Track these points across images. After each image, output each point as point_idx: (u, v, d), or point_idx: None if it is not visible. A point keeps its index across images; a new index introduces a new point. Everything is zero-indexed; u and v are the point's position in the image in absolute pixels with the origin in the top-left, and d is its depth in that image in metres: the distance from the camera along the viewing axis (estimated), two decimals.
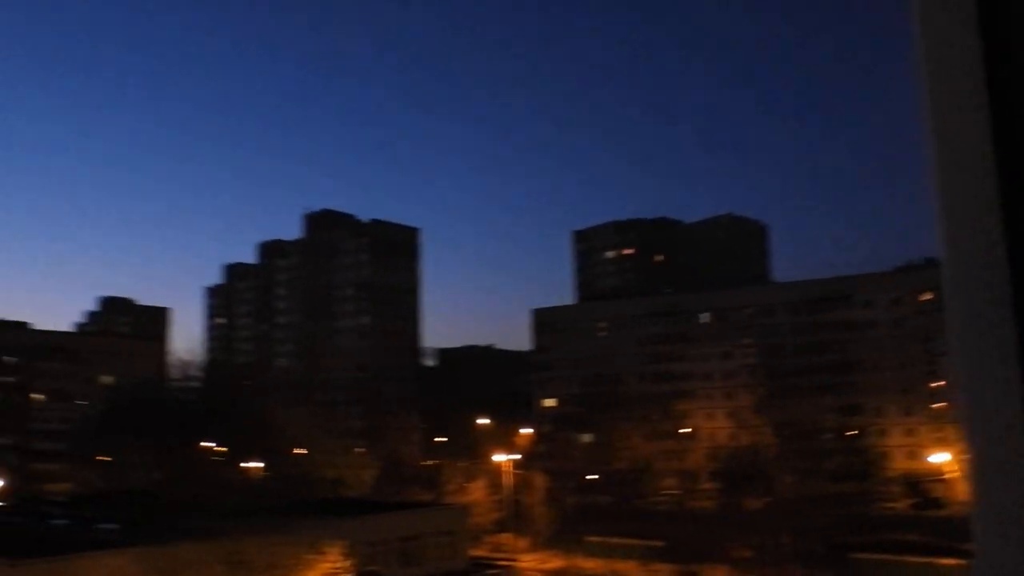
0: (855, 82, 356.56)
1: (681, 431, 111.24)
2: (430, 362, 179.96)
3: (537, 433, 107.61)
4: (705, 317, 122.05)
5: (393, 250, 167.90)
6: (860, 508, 75.72)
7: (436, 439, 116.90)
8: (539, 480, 79.92)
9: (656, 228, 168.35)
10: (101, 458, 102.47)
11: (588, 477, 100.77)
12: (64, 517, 53.00)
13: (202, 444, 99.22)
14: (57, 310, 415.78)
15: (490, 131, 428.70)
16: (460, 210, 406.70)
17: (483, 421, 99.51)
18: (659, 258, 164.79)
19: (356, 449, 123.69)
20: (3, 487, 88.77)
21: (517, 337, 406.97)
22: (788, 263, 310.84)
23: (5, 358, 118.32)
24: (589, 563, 60.48)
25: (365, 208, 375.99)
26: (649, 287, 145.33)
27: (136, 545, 38.26)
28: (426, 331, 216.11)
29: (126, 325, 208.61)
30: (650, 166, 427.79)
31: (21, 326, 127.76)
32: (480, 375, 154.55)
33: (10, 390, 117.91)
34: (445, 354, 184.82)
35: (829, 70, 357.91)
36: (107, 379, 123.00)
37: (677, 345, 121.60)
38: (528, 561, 63.35)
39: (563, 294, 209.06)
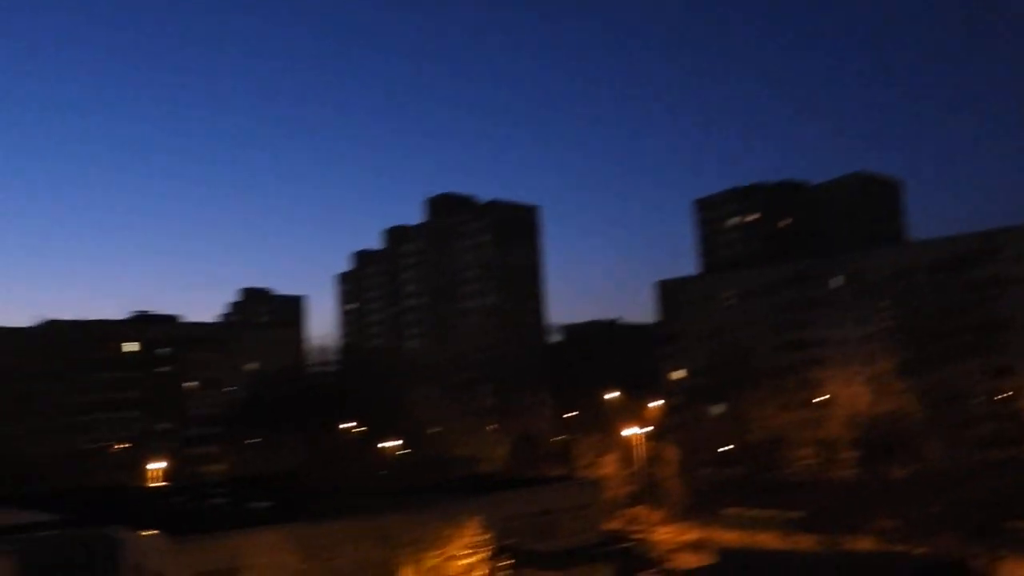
0: (994, 21, 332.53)
1: (817, 400, 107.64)
2: (556, 338, 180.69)
3: (667, 406, 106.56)
4: (838, 282, 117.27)
5: (513, 229, 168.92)
6: (1016, 476, 71.43)
7: (565, 414, 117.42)
8: (671, 453, 79.23)
9: (780, 192, 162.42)
10: (250, 440, 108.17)
11: (721, 449, 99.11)
12: (221, 496, 56.16)
13: (342, 425, 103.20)
14: (202, 303, 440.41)
15: (605, 104, 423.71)
16: (580, 186, 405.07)
17: (611, 395, 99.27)
18: (785, 223, 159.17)
19: (488, 427, 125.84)
20: (165, 469, 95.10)
21: (642, 310, 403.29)
22: (925, 220, 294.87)
23: (159, 350, 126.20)
24: (727, 535, 59.57)
25: (485, 189, 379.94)
26: (776, 253, 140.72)
27: (288, 522, 40.09)
28: (551, 308, 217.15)
29: (265, 314, 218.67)
30: (771, 129, 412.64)
31: (171, 320, 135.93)
32: (606, 350, 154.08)
33: (166, 380, 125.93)
34: (571, 330, 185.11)
35: (966, 14, 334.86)
36: (251, 366, 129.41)
37: (809, 312, 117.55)
38: (663, 534, 62.96)
39: (686, 265, 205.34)
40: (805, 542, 52.76)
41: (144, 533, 39.93)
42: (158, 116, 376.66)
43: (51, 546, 41.89)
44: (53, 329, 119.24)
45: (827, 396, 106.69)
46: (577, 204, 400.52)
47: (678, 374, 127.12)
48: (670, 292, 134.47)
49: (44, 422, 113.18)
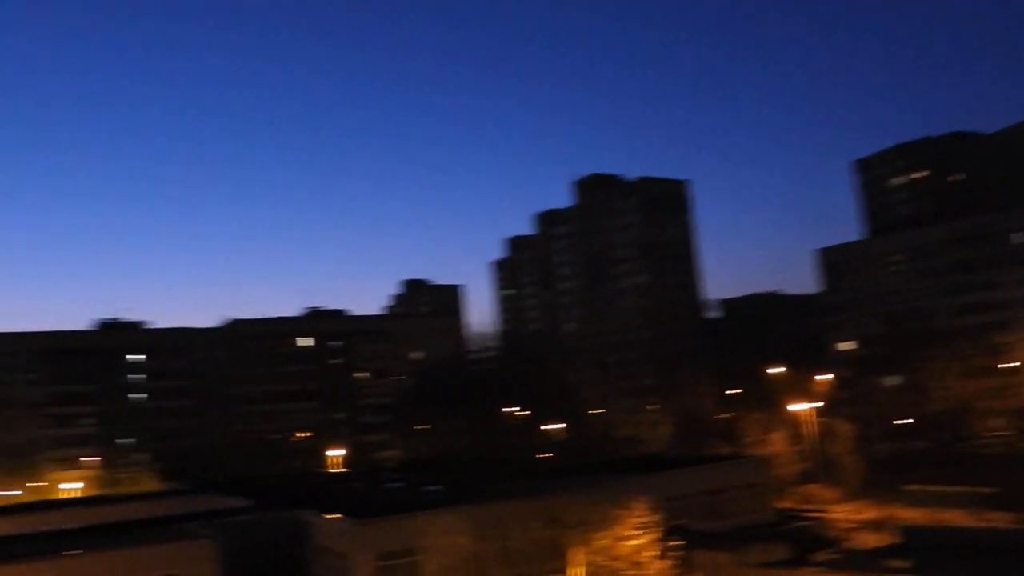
0: None
1: (1004, 366, 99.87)
2: (714, 314, 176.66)
3: (837, 378, 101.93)
4: (1020, 237, 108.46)
5: (663, 205, 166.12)
6: None
7: (728, 392, 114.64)
8: (844, 427, 75.73)
9: (949, 145, 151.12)
10: (419, 427, 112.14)
11: (899, 422, 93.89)
12: (396, 481, 58.51)
13: (505, 410, 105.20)
14: (367, 296, 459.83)
15: (751, 74, 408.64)
16: (729, 157, 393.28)
17: (775, 370, 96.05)
18: (956, 177, 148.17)
19: (649, 406, 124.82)
20: (343, 456, 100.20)
21: (803, 281, 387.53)
22: None
23: (331, 343, 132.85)
24: (909, 513, 56.37)
25: (632, 167, 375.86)
26: (947, 211, 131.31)
27: (461, 504, 41.28)
28: (707, 283, 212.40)
29: (426, 304, 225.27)
30: (931, 82, 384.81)
31: (340, 314, 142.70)
32: (767, 322, 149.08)
33: (339, 371, 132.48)
34: (729, 305, 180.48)
35: None
36: (416, 355, 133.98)
37: (988, 271, 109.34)
38: (840, 512, 60.34)
39: (848, 230, 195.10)
40: (999, 520, 49.20)
41: (328, 516, 42.20)
42: (321, 118, 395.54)
43: (247, 529, 45.11)
44: (237, 328, 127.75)
45: (1017, 362, 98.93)
46: (728, 176, 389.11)
47: (846, 345, 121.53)
48: (832, 259, 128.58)
49: (234, 414, 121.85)
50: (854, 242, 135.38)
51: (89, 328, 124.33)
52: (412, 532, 39.13)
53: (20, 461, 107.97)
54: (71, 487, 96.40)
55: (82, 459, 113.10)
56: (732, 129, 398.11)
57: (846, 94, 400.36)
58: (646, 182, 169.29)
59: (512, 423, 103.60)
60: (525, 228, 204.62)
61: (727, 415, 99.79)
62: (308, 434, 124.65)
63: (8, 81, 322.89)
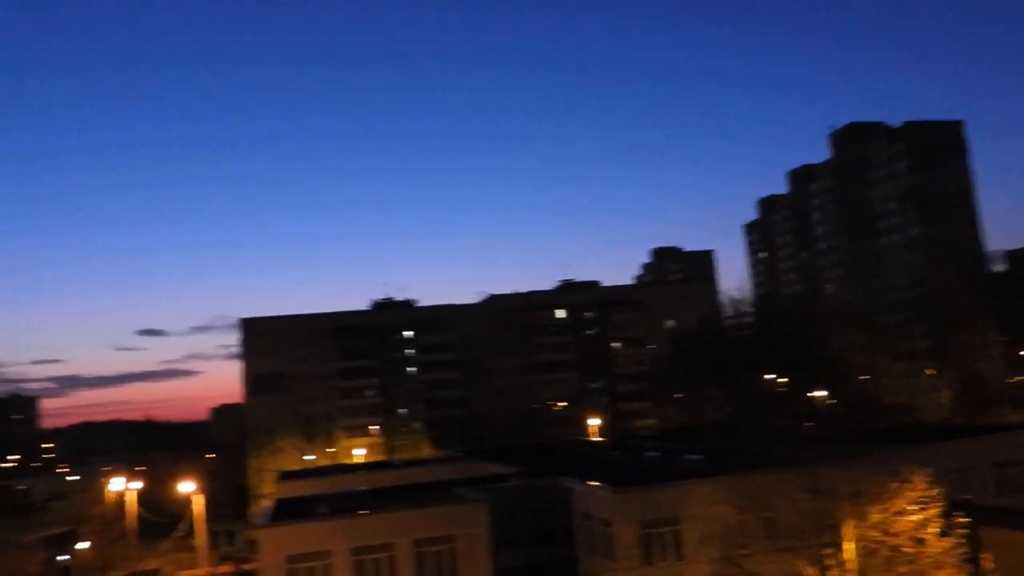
0: None
1: None
2: (999, 267, 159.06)
3: None
4: None
5: (934, 151, 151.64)
6: None
7: (1021, 352, 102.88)
8: None
9: None
10: (676, 395, 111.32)
11: None
12: (654, 450, 58.48)
13: (763, 376, 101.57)
14: (618, 265, 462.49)
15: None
16: (1007, 94, 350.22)
17: None
18: None
19: (926, 371, 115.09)
20: (600, 425, 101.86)
21: None
22: None
23: (585, 314, 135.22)
24: None
25: (895, 113, 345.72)
26: None
27: (721, 474, 40.51)
28: (989, 234, 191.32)
29: (677, 271, 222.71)
30: None
31: (593, 285, 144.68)
32: None
33: (593, 341, 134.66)
34: (1015, 256, 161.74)
35: None
36: (670, 323, 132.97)
37: None
38: None
39: None
40: None
41: (591, 483, 43.12)
42: (572, 89, 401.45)
43: (514, 494, 47.30)
44: (495, 303, 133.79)
45: None
46: (1007, 112, 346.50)
47: None
48: None
49: (496, 385, 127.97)
50: None
51: (367, 308, 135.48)
52: (673, 501, 39.00)
53: (316, 429, 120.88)
54: (358, 453, 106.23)
55: (368, 427, 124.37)
56: (1008, 59, 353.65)
57: None
58: (913, 127, 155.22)
59: (772, 391, 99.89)
60: (779, 188, 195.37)
61: (1017, 379, 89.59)
62: (565, 404, 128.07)
63: (312, 77, 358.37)
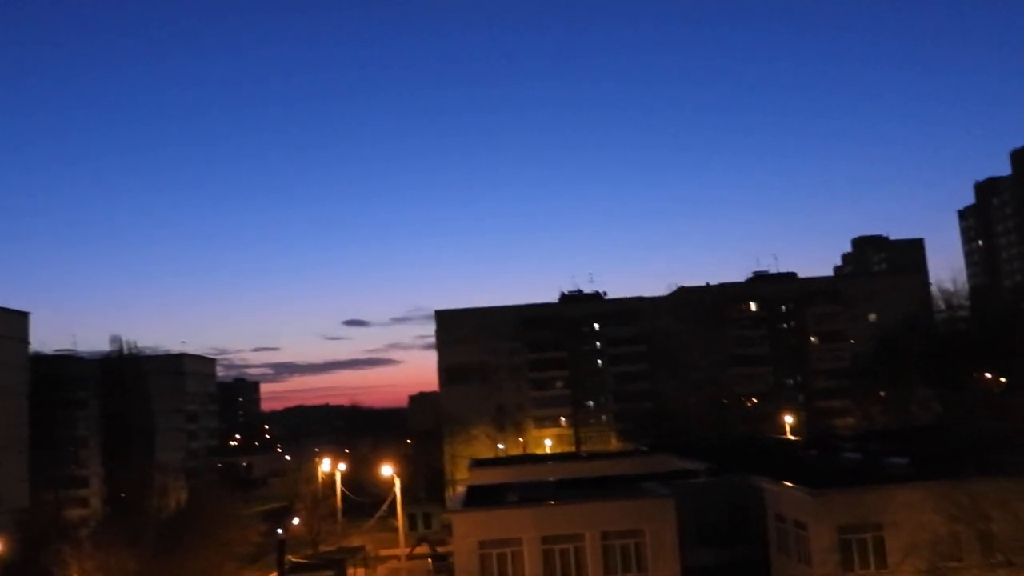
0: None
1: None
2: None
3: None
4: None
5: None
6: None
7: None
8: None
9: None
10: (879, 394, 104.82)
11: None
12: (855, 451, 55.45)
13: (980, 375, 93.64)
14: (815, 257, 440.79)
15: None
16: None
17: None
18: None
19: None
20: (795, 422, 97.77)
21: None
22: None
23: (779, 307, 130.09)
24: None
25: None
26: None
27: (930, 479, 37.95)
28: None
29: (881, 262, 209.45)
30: None
31: (789, 277, 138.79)
32: None
33: (788, 335, 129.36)
34: None
35: None
36: (872, 317, 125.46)
37: None
38: None
39: None
40: None
41: (784, 484, 41.57)
42: (775, 76, 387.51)
43: (702, 491, 46.40)
44: (684, 295, 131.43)
45: None
46: None
47: None
48: None
49: (685, 379, 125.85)
50: None
51: (556, 301, 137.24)
52: (876, 506, 36.92)
53: (507, 419, 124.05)
54: (546, 443, 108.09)
55: (557, 418, 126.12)
56: None
57: None
58: None
59: (990, 391, 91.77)
60: (1000, 169, 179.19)
61: None
62: (757, 399, 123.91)
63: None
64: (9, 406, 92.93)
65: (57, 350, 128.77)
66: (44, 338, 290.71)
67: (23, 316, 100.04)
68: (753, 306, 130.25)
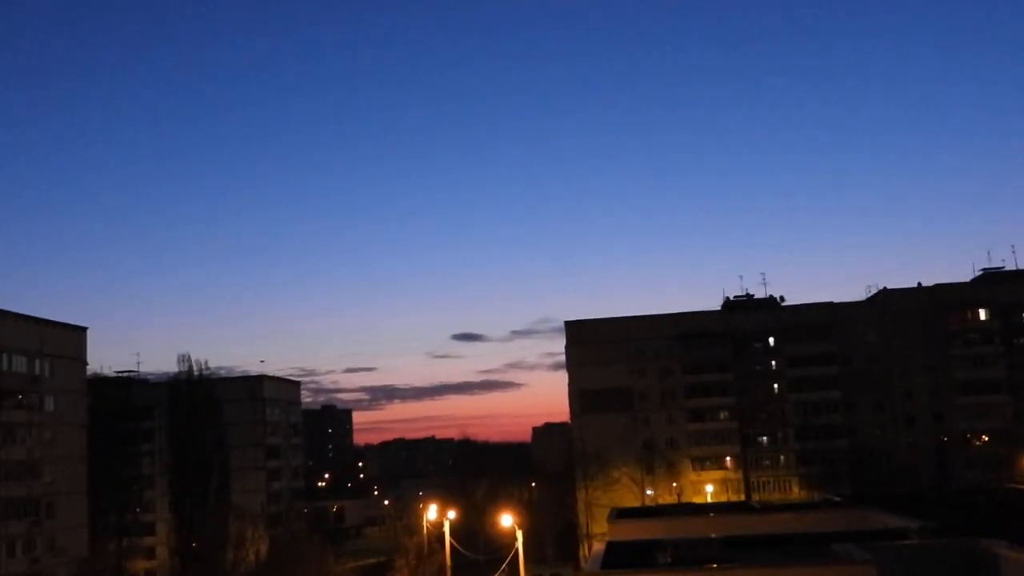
0: None
1: None
2: None
3: None
4: None
5: None
6: None
7: None
8: None
9: None
10: None
11: None
12: None
13: None
14: None
15: None
16: None
17: None
18: None
19: None
20: None
21: None
22: None
23: (1018, 315, 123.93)
24: None
25: None
26: None
27: None
28: None
29: None
30: None
31: None
32: None
33: None
34: None
35: None
36: None
37: None
38: None
39: None
40: None
41: None
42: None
43: (918, 556, 44.88)
44: (888, 299, 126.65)
45: None
46: None
47: None
48: None
49: (893, 409, 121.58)
50: None
51: (718, 309, 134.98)
52: None
53: (656, 458, 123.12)
54: (707, 490, 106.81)
55: (722, 458, 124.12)
56: None
57: None
58: None
59: None
60: None
61: None
62: (990, 437, 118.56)
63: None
64: (66, 439, 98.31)
65: (119, 371, 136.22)
66: (103, 357, 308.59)
67: (80, 332, 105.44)
68: (983, 314, 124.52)
